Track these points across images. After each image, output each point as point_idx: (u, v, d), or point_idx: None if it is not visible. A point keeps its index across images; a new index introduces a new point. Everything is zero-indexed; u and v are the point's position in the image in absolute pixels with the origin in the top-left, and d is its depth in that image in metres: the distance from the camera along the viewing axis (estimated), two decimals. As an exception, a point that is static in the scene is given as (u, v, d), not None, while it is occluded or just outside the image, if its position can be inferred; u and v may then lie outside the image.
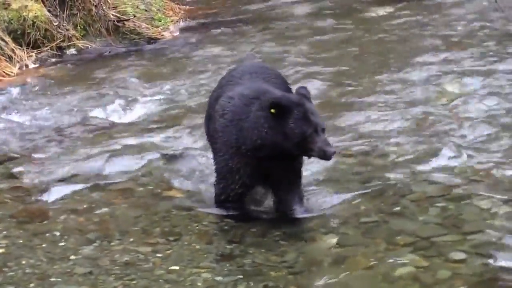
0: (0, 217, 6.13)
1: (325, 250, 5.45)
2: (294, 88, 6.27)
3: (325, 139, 5.59)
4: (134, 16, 11.76)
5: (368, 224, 5.72)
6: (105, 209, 6.20)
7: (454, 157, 6.69)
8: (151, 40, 11.64)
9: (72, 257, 5.49)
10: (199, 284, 5.10)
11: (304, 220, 5.85)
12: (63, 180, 6.79)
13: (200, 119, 7.30)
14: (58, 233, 5.84)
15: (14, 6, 10.83)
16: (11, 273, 5.29)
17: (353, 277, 5.07)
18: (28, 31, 10.76)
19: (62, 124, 8.47)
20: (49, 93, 9.49)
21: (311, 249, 5.51)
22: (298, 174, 5.92)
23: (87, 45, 11.27)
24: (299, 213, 5.89)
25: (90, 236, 5.78)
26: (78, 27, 11.34)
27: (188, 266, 5.30)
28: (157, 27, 11.97)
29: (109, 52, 11.24)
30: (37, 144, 7.85)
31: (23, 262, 5.43)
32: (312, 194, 6.14)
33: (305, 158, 5.88)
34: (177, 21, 12.49)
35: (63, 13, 11.24)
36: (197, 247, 5.58)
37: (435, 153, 6.77)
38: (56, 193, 6.51)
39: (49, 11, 11.10)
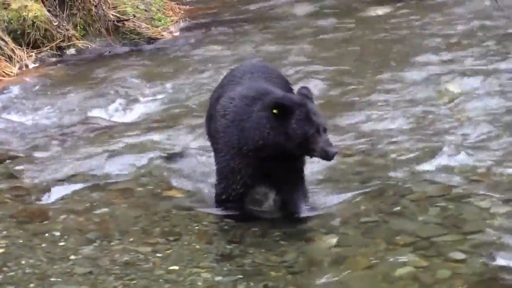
0: (0, 217, 6.13)
1: (325, 250, 5.45)
2: (295, 87, 6.27)
3: (327, 139, 5.59)
4: (134, 16, 11.75)
5: (368, 224, 5.72)
6: (105, 209, 6.20)
7: (454, 156, 6.68)
8: (151, 40, 11.62)
9: (72, 257, 5.49)
10: (199, 284, 5.10)
11: (304, 220, 5.85)
12: (63, 180, 6.78)
13: (200, 119, 7.30)
14: (58, 233, 5.84)
15: (14, 6, 10.82)
16: (11, 273, 5.29)
17: (353, 277, 5.06)
18: (28, 31, 10.74)
19: (62, 124, 8.47)
20: (49, 93, 9.48)
21: (311, 249, 5.50)
22: (300, 173, 5.90)
23: (87, 45, 11.25)
24: (305, 211, 5.88)
25: (90, 236, 5.78)
26: (78, 27, 11.32)
27: (188, 266, 5.30)
28: (157, 27, 11.95)
29: (109, 52, 11.23)
30: (37, 143, 7.84)
31: (23, 262, 5.43)
32: (312, 194, 6.13)
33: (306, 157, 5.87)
34: (177, 21, 12.47)
35: (63, 13, 11.23)
36: (197, 247, 5.58)
37: (435, 153, 6.76)
38: (56, 193, 6.51)
39: (49, 11, 11.09)
